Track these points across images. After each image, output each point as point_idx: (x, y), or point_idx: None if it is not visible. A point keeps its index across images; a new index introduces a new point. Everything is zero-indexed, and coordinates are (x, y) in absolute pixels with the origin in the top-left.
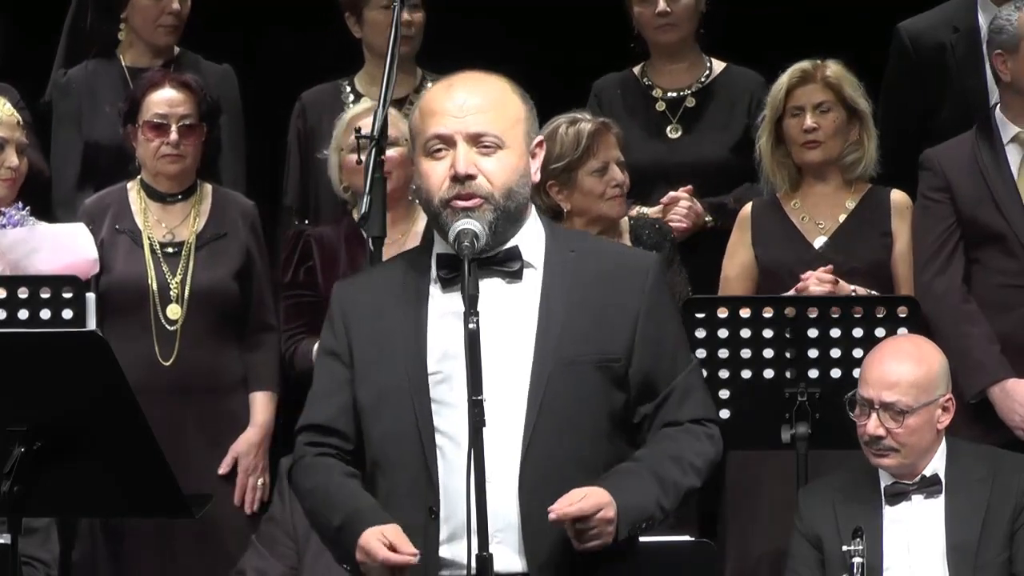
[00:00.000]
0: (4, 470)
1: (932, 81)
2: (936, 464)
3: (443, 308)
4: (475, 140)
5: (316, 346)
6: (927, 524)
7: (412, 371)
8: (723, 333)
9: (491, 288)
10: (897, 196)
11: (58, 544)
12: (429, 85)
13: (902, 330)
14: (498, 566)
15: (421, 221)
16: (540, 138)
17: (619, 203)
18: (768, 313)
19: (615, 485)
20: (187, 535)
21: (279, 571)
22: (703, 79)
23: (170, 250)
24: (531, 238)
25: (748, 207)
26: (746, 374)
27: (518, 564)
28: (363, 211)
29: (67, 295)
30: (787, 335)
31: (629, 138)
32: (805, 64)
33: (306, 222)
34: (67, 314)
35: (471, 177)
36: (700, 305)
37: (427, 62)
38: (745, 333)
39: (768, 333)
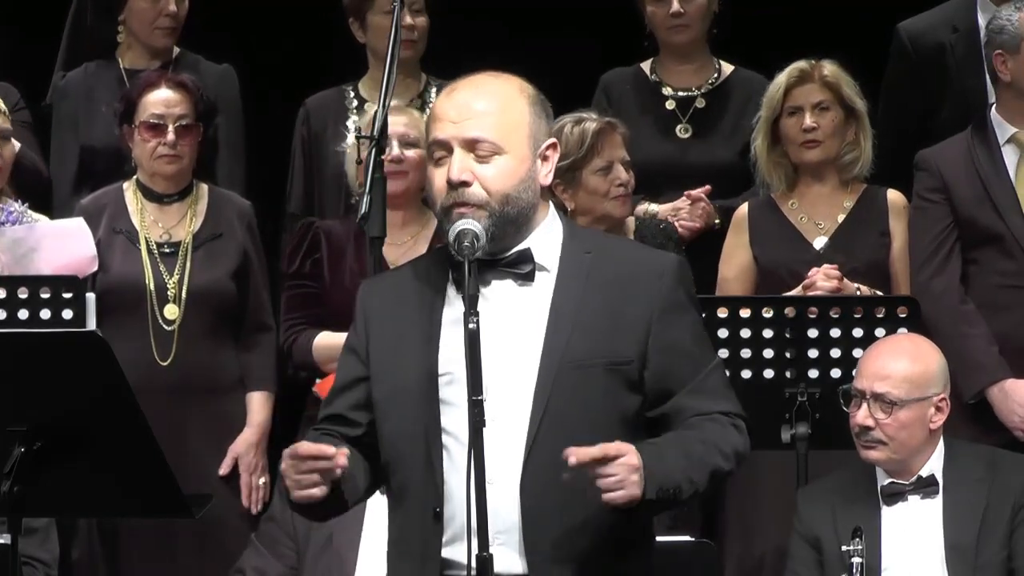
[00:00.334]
0: (4, 470)
1: (932, 81)
2: (933, 465)
3: (458, 310)
4: (471, 146)
5: (316, 340)
6: (925, 525)
7: (422, 372)
8: (723, 333)
9: (502, 290)
10: (894, 195)
11: (58, 544)
12: (434, 90)
13: (902, 330)
14: (499, 567)
15: (432, 224)
16: (552, 141)
17: (623, 202)
18: (768, 313)
19: (643, 448)
20: (187, 535)
21: (278, 571)
22: (712, 80)
23: (167, 250)
24: (546, 240)
25: (744, 208)
26: (746, 374)
27: (519, 566)
28: (363, 211)
29: (67, 295)
30: (787, 335)
31: (638, 135)
32: (802, 64)
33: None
34: (67, 314)
35: (465, 184)
36: (700, 305)
37: (432, 65)
38: (745, 333)
39: (768, 333)
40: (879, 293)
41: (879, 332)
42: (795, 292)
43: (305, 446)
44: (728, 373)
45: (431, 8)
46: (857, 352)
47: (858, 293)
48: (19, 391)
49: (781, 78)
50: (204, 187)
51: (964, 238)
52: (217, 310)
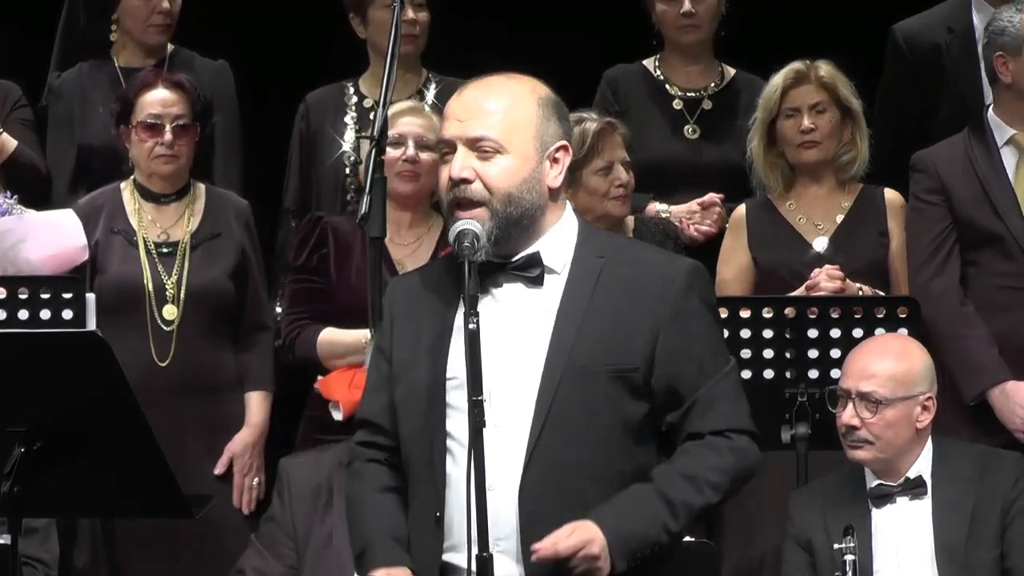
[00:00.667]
0: (4, 470)
1: (928, 82)
2: (921, 465)
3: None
4: (473, 144)
5: (321, 336)
6: (914, 526)
7: (431, 375)
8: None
9: (512, 293)
10: (891, 195)
11: (58, 544)
12: (433, 85)
13: (902, 330)
14: (497, 573)
15: (437, 229)
16: (563, 143)
17: (623, 202)
18: (768, 313)
19: (613, 514)
20: (186, 535)
21: (278, 571)
22: (717, 83)
23: (165, 250)
24: (557, 243)
25: (741, 209)
26: (746, 374)
27: (516, 572)
28: (363, 211)
29: (67, 295)
30: (787, 335)
31: (646, 132)
32: (798, 65)
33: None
34: (67, 314)
35: (466, 181)
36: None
37: (432, 65)
38: (745, 333)
39: (768, 333)
40: (880, 294)
41: (879, 332)
42: (798, 293)
43: None
44: None
45: (432, 6)
46: None
47: (860, 293)
48: (19, 391)
49: (777, 79)
50: (201, 187)
51: (963, 239)
52: (215, 310)
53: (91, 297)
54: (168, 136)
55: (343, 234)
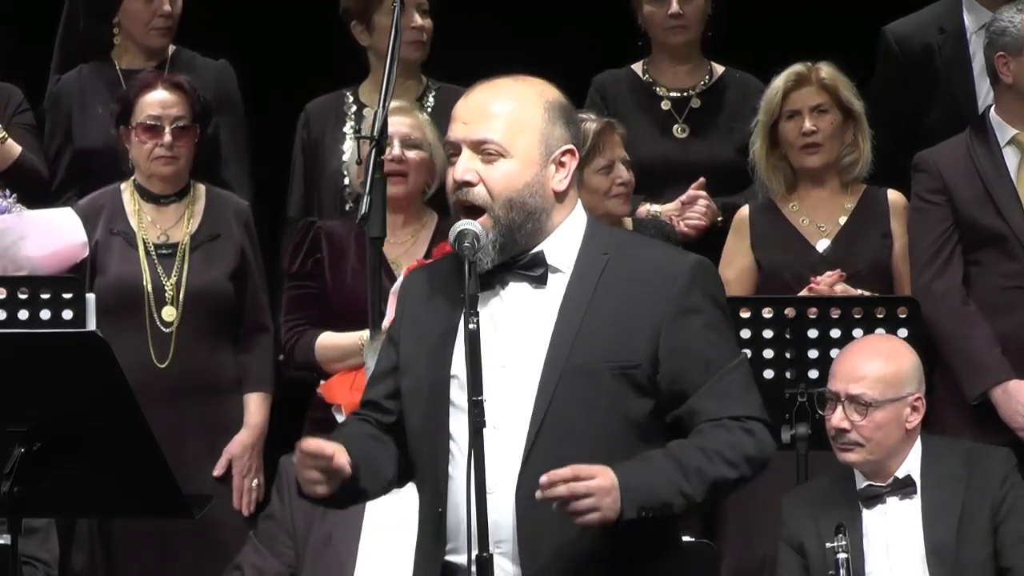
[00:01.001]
0: (4, 470)
1: (919, 83)
2: (909, 465)
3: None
4: (477, 147)
5: (319, 340)
6: (905, 525)
7: (435, 372)
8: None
9: (517, 292)
10: (894, 196)
11: (58, 545)
12: (433, 93)
13: (902, 331)
14: (496, 574)
15: (431, 225)
16: (570, 147)
17: (624, 201)
18: (768, 313)
19: (626, 465)
20: (185, 536)
21: (276, 569)
22: (706, 81)
23: (165, 251)
24: (563, 242)
25: (744, 211)
26: None
27: (514, 574)
28: (363, 211)
29: (67, 295)
30: (787, 335)
31: (635, 135)
32: (798, 67)
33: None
34: (67, 314)
35: (469, 184)
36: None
37: (432, 65)
38: (745, 333)
39: (768, 333)
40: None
41: (879, 332)
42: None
43: (305, 443)
44: None
45: (433, 6)
46: None
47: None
48: (19, 391)
49: (778, 82)
50: (201, 188)
51: (965, 240)
52: (215, 311)
53: (91, 297)
54: (168, 137)
55: (337, 237)
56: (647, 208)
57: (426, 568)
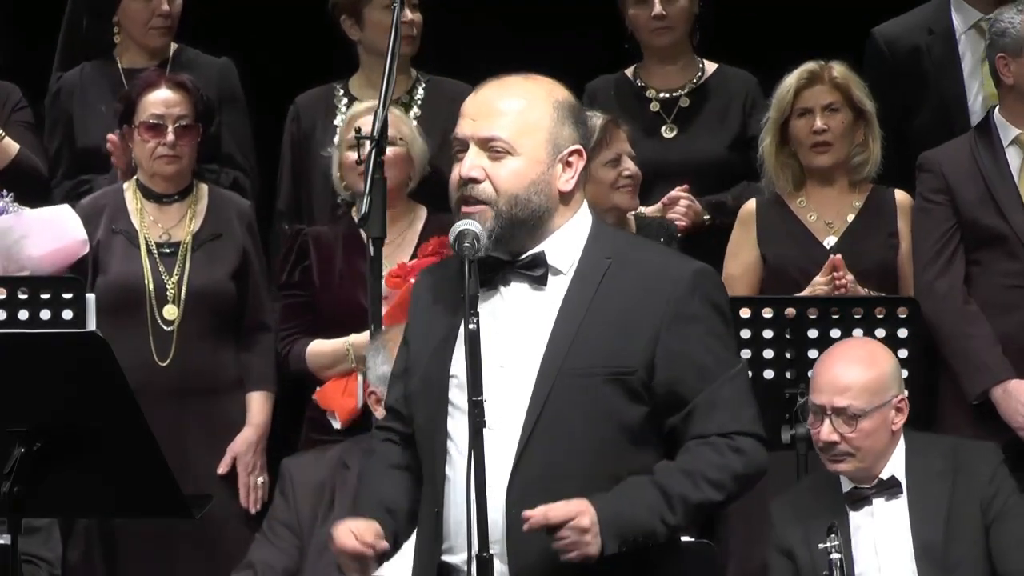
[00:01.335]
0: (4, 470)
1: (909, 84)
2: (893, 466)
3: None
4: (485, 144)
5: (308, 349)
6: (892, 526)
7: (437, 371)
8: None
9: (518, 293)
10: (902, 196)
11: (60, 544)
12: (422, 86)
13: (902, 331)
14: None
15: (420, 221)
16: (577, 147)
17: (630, 194)
18: (768, 313)
19: (607, 497)
20: (186, 535)
21: (285, 564)
22: (696, 79)
23: (167, 250)
24: (565, 244)
25: (752, 204)
26: None
27: (503, 574)
28: (363, 211)
29: (67, 295)
30: (787, 335)
31: None
32: (811, 65)
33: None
34: (67, 314)
35: (475, 181)
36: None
37: (431, 66)
38: (745, 333)
39: (768, 333)
40: (883, 295)
41: (879, 332)
42: (815, 287)
43: (338, 541)
44: None
45: (432, 7)
46: None
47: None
48: (19, 391)
49: (791, 79)
50: (204, 187)
51: (967, 239)
52: (216, 310)
53: (91, 297)
54: (170, 136)
55: (324, 243)
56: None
57: (424, 568)
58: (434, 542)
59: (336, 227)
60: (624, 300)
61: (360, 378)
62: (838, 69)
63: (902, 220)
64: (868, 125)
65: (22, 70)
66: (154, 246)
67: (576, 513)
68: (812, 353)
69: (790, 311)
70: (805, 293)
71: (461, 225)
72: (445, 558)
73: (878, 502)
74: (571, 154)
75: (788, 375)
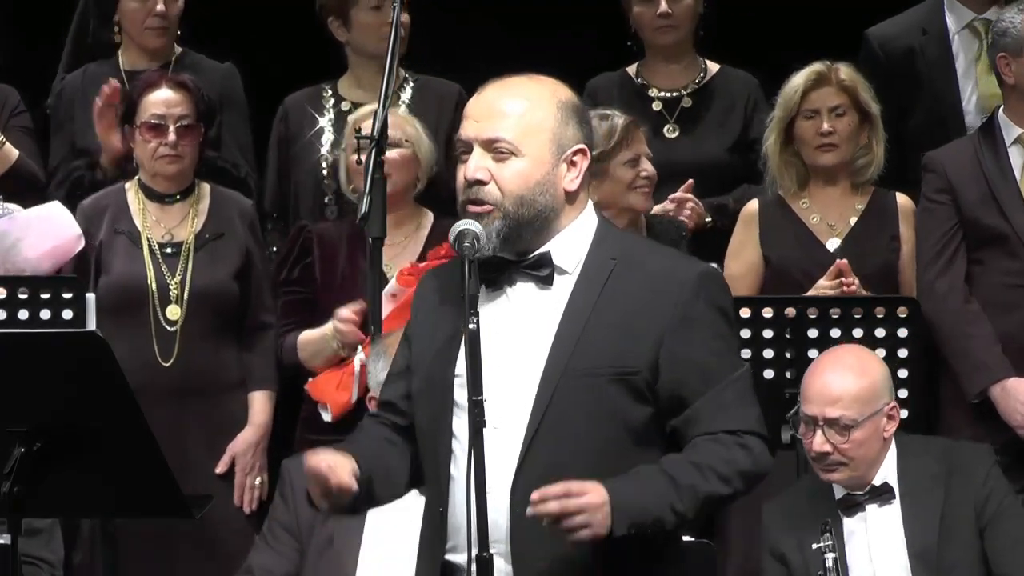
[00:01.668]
0: (4, 471)
1: (903, 85)
2: (886, 472)
3: (482, 310)
4: (489, 146)
5: (299, 338)
6: (886, 531)
7: (441, 371)
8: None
9: (523, 292)
10: (903, 200)
11: (62, 545)
12: (409, 85)
13: (902, 331)
14: None
15: (427, 224)
16: (581, 147)
17: (646, 196)
18: (768, 313)
19: (618, 481)
20: (187, 535)
21: (285, 568)
22: (698, 80)
23: (169, 251)
24: (570, 244)
25: (754, 205)
26: None
27: (507, 572)
28: (363, 211)
29: (67, 295)
30: (787, 335)
31: None
32: (819, 66)
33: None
34: (67, 314)
35: (480, 183)
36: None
37: (431, 66)
38: (745, 333)
39: (768, 333)
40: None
41: (879, 332)
42: (821, 290)
43: (309, 461)
44: None
45: (427, 6)
46: None
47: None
48: (19, 391)
49: (798, 80)
50: (206, 187)
51: (969, 238)
52: (219, 310)
53: (91, 297)
54: (172, 136)
55: (328, 240)
56: None
57: (427, 566)
58: (438, 541)
59: (340, 225)
60: (629, 301)
61: (357, 365)
62: (845, 71)
63: (903, 223)
64: (873, 128)
65: (22, 71)
66: (156, 246)
67: (589, 489)
68: (812, 353)
69: (790, 311)
70: (810, 295)
71: (461, 225)
72: (449, 557)
73: (871, 508)
74: (575, 154)
75: (788, 375)
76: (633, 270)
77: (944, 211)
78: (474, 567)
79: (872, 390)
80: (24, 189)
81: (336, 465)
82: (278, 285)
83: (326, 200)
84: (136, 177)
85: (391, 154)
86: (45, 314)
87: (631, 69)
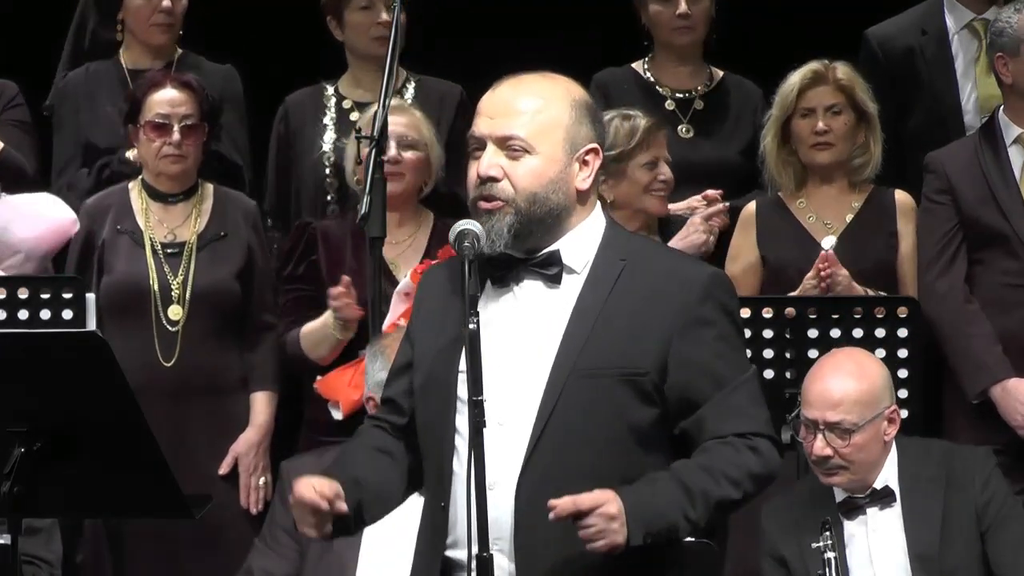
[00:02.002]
0: (4, 470)
1: (903, 85)
2: (887, 475)
3: (491, 310)
4: (503, 143)
5: (301, 330)
6: (887, 534)
7: (445, 368)
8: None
9: (532, 291)
10: (902, 197)
11: (61, 545)
12: (412, 84)
13: (902, 330)
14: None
15: (428, 223)
16: (594, 146)
17: (662, 200)
18: (768, 313)
19: (632, 489)
20: (189, 536)
21: (284, 570)
22: (708, 83)
23: (171, 250)
24: (580, 243)
25: (752, 206)
26: None
27: (509, 570)
28: (363, 211)
29: (67, 295)
30: (787, 335)
31: None
32: (815, 65)
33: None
34: (67, 314)
35: (493, 180)
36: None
37: (430, 66)
38: (745, 333)
39: (768, 333)
40: (883, 295)
41: (879, 332)
42: (805, 285)
43: (296, 491)
44: None
45: (426, 6)
46: None
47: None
48: (19, 391)
49: (795, 78)
50: (209, 187)
51: (970, 238)
52: (221, 311)
53: (91, 297)
54: (176, 136)
55: (333, 238)
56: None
57: (426, 561)
58: (439, 537)
59: (344, 223)
60: (638, 302)
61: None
62: (842, 70)
63: (902, 220)
64: (870, 127)
65: (23, 68)
66: (159, 246)
67: (604, 501)
68: (812, 353)
69: (790, 311)
70: (797, 292)
71: (461, 225)
72: (449, 553)
73: (872, 511)
74: (588, 153)
75: (788, 375)
76: (642, 272)
77: (944, 211)
78: (474, 567)
79: (873, 394)
80: (11, 182)
81: (321, 488)
82: (281, 281)
83: (328, 199)
84: (139, 176)
85: (407, 155)
86: (45, 314)
87: (637, 66)
